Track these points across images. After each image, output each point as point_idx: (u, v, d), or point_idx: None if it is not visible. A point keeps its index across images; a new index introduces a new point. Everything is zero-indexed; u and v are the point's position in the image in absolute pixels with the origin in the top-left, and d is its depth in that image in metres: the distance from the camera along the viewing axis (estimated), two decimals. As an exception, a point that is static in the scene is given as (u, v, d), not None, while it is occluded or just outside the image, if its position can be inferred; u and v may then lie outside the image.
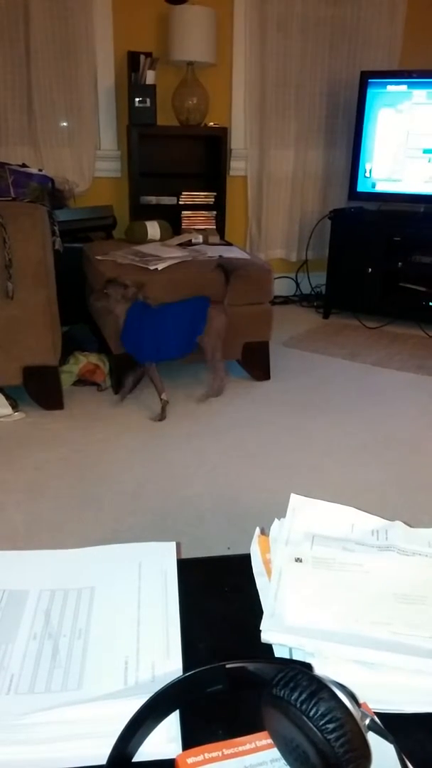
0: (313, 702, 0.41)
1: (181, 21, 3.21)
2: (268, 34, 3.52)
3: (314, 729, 0.40)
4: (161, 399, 2.33)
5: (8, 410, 2.28)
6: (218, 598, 0.67)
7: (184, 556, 0.71)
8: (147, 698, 0.48)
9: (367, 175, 3.58)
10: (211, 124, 3.50)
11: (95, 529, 1.69)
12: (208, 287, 2.46)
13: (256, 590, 0.66)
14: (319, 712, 0.40)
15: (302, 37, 3.57)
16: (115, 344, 2.43)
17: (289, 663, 0.47)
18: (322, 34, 3.60)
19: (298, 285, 4.07)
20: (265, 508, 1.77)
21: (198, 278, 2.48)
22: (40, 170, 2.77)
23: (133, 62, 3.27)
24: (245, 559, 0.71)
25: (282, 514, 0.76)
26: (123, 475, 1.95)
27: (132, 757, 0.46)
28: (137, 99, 3.25)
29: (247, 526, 1.66)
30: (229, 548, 1.56)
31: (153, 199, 3.47)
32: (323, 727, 0.40)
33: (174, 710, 0.49)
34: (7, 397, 2.30)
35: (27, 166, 2.76)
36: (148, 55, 3.25)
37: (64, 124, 3.39)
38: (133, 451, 2.09)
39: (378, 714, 0.48)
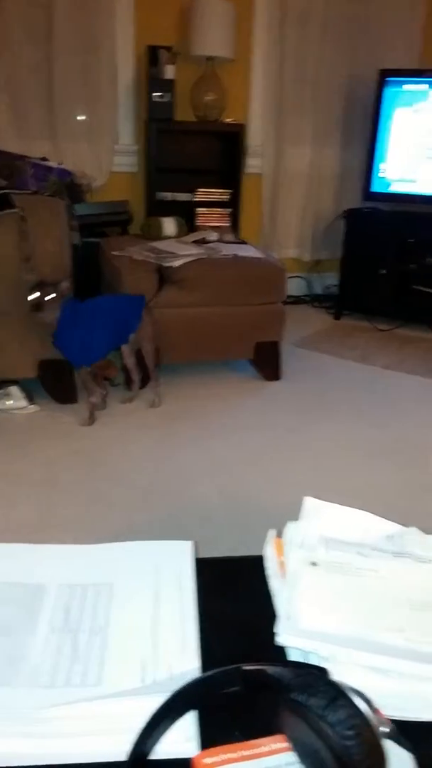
0: (331, 708, 0.42)
1: (201, 15, 3.20)
2: (288, 30, 3.51)
3: (333, 735, 0.41)
4: (90, 401, 2.26)
5: (23, 403, 2.30)
6: (233, 599, 0.67)
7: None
8: (165, 697, 0.49)
9: (382, 175, 3.56)
10: (228, 120, 3.49)
11: (106, 524, 1.70)
12: (224, 286, 2.47)
13: (270, 592, 0.67)
14: (338, 719, 0.41)
15: (322, 34, 3.55)
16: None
17: (307, 667, 0.47)
18: (342, 31, 3.58)
19: (309, 285, 4.06)
20: (274, 509, 1.77)
21: (213, 276, 2.49)
22: (60, 164, 2.78)
23: (152, 57, 3.27)
24: (258, 561, 0.72)
25: (291, 515, 0.76)
26: (134, 471, 1.97)
27: (149, 755, 0.47)
28: (156, 94, 3.25)
29: (256, 527, 1.67)
30: (239, 548, 1.57)
31: (168, 195, 3.47)
32: (342, 734, 0.41)
33: (191, 710, 0.50)
34: (23, 390, 2.32)
35: (47, 160, 2.77)
36: (167, 49, 3.24)
37: (84, 118, 3.39)
38: (144, 448, 2.11)
39: (392, 722, 0.48)
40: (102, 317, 2.16)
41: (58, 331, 2.09)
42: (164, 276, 2.37)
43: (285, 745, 0.47)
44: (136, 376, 2.39)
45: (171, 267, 2.42)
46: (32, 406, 2.32)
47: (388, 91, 3.43)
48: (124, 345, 2.32)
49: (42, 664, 0.55)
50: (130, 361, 2.36)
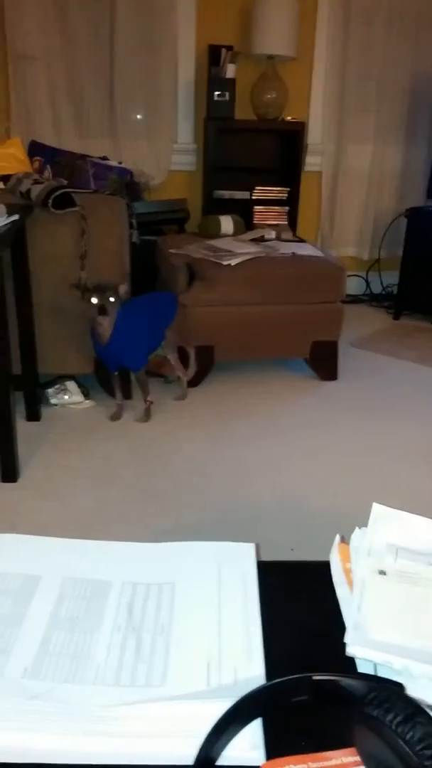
0: (409, 725, 0.40)
1: (263, 14, 3.18)
2: (352, 26, 3.45)
3: (411, 753, 0.39)
4: (147, 401, 2.28)
5: (80, 398, 2.34)
6: (297, 604, 0.66)
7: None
8: (230, 702, 0.48)
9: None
10: (289, 118, 3.46)
11: (160, 520, 1.71)
12: (282, 284, 2.45)
13: (336, 599, 0.65)
14: (416, 737, 0.39)
15: (387, 31, 3.49)
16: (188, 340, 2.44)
17: (382, 681, 0.46)
18: (407, 28, 3.50)
19: (368, 284, 3.99)
20: (330, 511, 1.75)
21: (271, 274, 2.47)
22: (120, 163, 2.81)
23: (213, 56, 3.27)
24: (324, 566, 0.70)
25: (348, 518, 0.74)
26: (188, 468, 1.97)
27: (216, 761, 0.46)
28: (216, 93, 3.26)
29: (312, 529, 1.65)
30: (293, 550, 1.55)
31: (225, 194, 3.47)
32: (420, 753, 0.39)
33: (257, 717, 0.49)
34: (80, 386, 2.36)
35: (107, 159, 2.81)
36: (229, 48, 3.24)
37: (143, 117, 3.43)
38: (198, 446, 2.11)
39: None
40: (145, 317, 2.18)
41: (114, 339, 2.08)
42: (193, 272, 2.36)
43: (356, 759, 0.46)
44: (181, 372, 2.39)
45: (226, 264, 2.42)
46: (88, 401, 2.36)
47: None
48: (165, 342, 2.32)
49: (106, 662, 0.55)
50: (172, 357, 2.36)
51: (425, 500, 1.82)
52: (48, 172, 2.51)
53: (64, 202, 2.07)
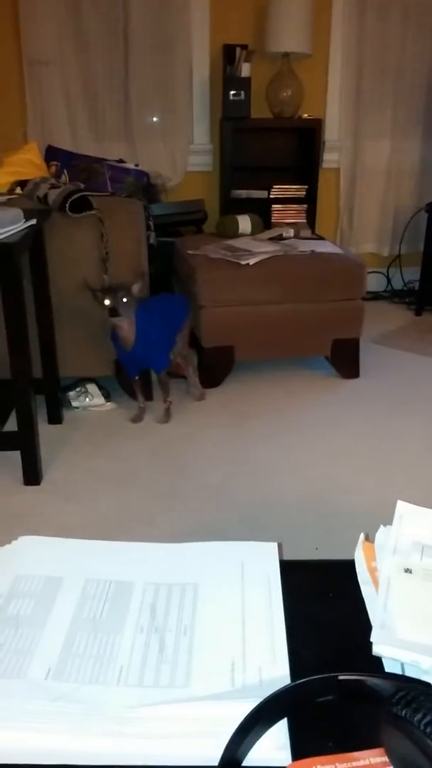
0: (439, 726, 0.39)
1: (277, 11, 3.17)
2: (368, 22, 3.43)
3: (440, 755, 0.38)
4: (167, 401, 2.28)
5: (101, 400, 2.35)
6: (321, 603, 0.65)
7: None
8: (255, 702, 0.48)
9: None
10: (305, 115, 3.44)
11: (181, 521, 1.71)
12: (301, 282, 2.44)
13: (361, 598, 0.64)
14: (446, 738, 0.38)
15: (403, 25, 3.45)
16: (208, 338, 2.44)
17: (410, 681, 0.45)
18: (424, 22, 3.46)
19: (389, 280, 3.95)
20: (354, 510, 1.73)
21: (290, 273, 2.46)
22: (136, 165, 2.82)
23: (228, 55, 3.26)
24: (348, 565, 0.69)
25: (372, 516, 0.73)
26: (208, 468, 1.97)
27: (242, 762, 0.46)
28: (232, 92, 3.25)
29: (335, 527, 1.64)
30: (317, 549, 1.54)
31: (243, 193, 3.46)
32: (450, 754, 0.38)
33: (283, 717, 0.48)
34: (100, 388, 2.37)
35: (124, 162, 2.82)
36: (243, 47, 3.23)
37: (159, 119, 3.44)
38: (218, 445, 2.10)
39: None
40: (162, 317, 2.18)
41: (137, 340, 2.08)
42: None
43: (384, 759, 0.45)
44: (189, 375, 2.39)
45: (244, 263, 2.41)
46: (109, 403, 2.37)
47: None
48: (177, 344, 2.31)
49: (130, 663, 0.54)
50: (182, 361, 2.36)
51: (451, 497, 1.79)
52: (65, 177, 2.52)
53: (82, 205, 2.08)
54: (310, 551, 1.53)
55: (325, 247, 2.69)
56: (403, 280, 3.89)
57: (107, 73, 3.30)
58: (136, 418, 2.26)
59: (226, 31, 3.36)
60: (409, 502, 0.74)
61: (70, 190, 2.10)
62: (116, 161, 2.80)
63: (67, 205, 2.05)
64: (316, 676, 0.48)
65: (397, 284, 3.93)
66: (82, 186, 2.19)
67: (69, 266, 2.14)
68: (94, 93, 3.30)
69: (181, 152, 3.49)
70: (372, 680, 0.46)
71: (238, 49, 3.23)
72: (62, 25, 3.19)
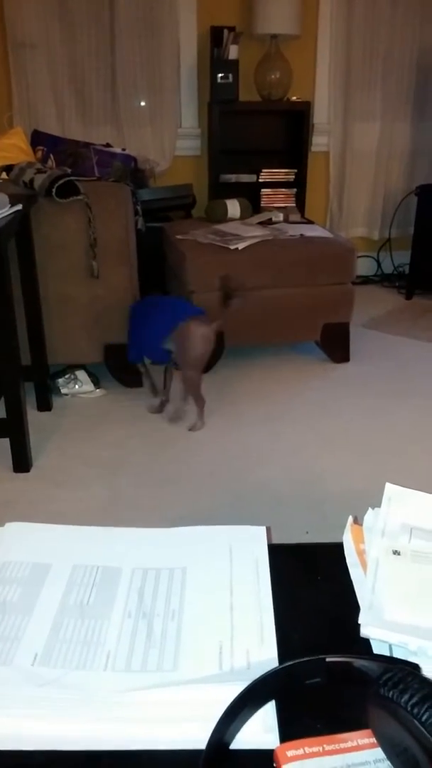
0: (425, 706, 0.39)
1: (265, -8, 3.13)
2: (356, 2, 3.38)
3: (426, 734, 0.38)
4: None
5: (90, 387, 2.34)
6: (310, 586, 0.65)
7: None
8: (243, 685, 0.48)
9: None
10: (294, 98, 3.41)
11: (174, 507, 1.71)
12: (291, 267, 2.42)
13: (350, 581, 0.64)
14: (432, 718, 0.38)
15: (392, 6, 3.41)
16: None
17: (396, 662, 0.45)
18: (413, 2, 3.42)
19: (379, 264, 3.94)
20: (345, 494, 1.73)
21: (279, 257, 2.45)
22: (124, 150, 2.79)
23: (215, 37, 3.22)
24: (337, 548, 0.69)
25: (363, 500, 0.73)
26: (200, 454, 1.96)
27: (229, 745, 0.46)
28: (219, 75, 3.21)
29: (326, 511, 1.64)
30: (307, 533, 1.55)
31: (232, 177, 3.44)
32: (437, 734, 0.38)
33: (270, 700, 0.48)
34: (90, 375, 2.36)
35: (111, 146, 2.78)
36: (231, 29, 3.19)
37: (146, 103, 3.39)
38: (210, 432, 2.10)
39: None
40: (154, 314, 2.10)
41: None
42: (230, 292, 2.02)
43: (372, 740, 0.45)
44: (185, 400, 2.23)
45: (233, 248, 2.40)
46: (99, 390, 2.35)
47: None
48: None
49: (117, 648, 0.54)
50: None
51: (441, 480, 1.80)
52: (51, 161, 2.49)
53: (68, 190, 2.05)
54: (301, 536, 1.53)
55: (314, 231, 2.68)
56: (393, 263, 3.89)
57: (93, 57, 3.24)
58: (158, 410, 2.23)
59: (213, 12, 3.31)
60: (400, 485, 0.74)
61: (57, 174, 2.07)
62: (103, 146, 2.76)
63: (54, 190, 2.02)
64: (303, 659, 0.48)
65: (387, 268, 3.92)
66: (68, 171, 2.16)
67: (56, 252, 2.12)
68: (80, 76, 3.25)
69: (169, 136, 3.45)
70: (359, 662, 0.46)
71: (225, 31, 3.18)
72: (47, 8, 3.13)
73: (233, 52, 3.21)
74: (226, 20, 3.26)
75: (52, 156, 2.52)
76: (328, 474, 1.85)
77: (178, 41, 3.34)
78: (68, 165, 2.43)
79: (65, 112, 3.27)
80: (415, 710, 0.39)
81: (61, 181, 2.03)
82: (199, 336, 1.94)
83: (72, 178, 2.07)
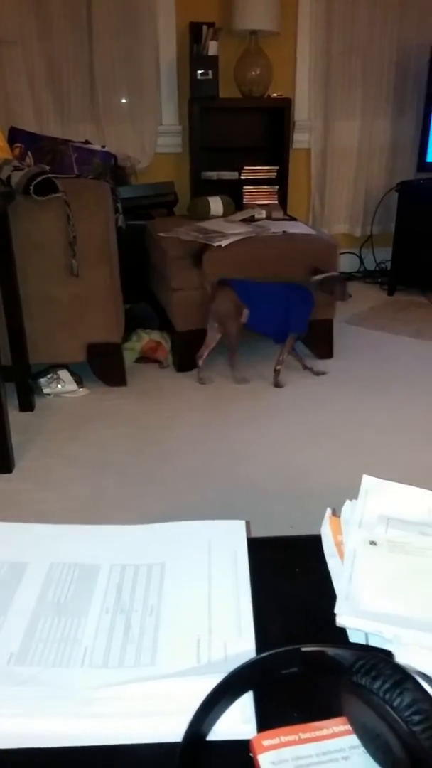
0: (397, 692, 0.39)
1: (244, -12, 3.12)
2: (336, 0, 3.39)
3: (399, 720, 0.38)
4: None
5: (73, 386, 2.32)
6: (288, 578, 0.65)
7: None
8: (220, 677, 0.48)
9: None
10: (275, 95, 3.41)
11: (158, 505, 1.71)
12: (274, 264, 2.43)
13: (328, 572, 0.64)
14: (404, 703, 0.39)
15: (371, 4, 3.42)
16: (181, 321, 2.42)
17: (370, 649, 0.45)
18: (392, 1, 3.44)
19: (362, 261, 3.96)
20: (329, 488, 1.74)
21: (262, 254, 2.45)
22: (103, 147, 2.77)
23: (195, 33, 3.21)
24: (315, 540, 0.69)
25: (347, 495, 0.73)
26: (185, 452, 1.96)
27: (206, 736, 0.46)
28: (199, 71, 3.21)
29: (311, 506, 1.64)
30: (292, 527, 1.55)
31: (214, 175, 3.43)
32: (408, 719, 0.38)
33: (248, 691, 0.49)
34: (72, 374, 2.35)
35: (90, 143, 2.77)
36: (210, 25, 3.18)
37: (126, 100, 3.38)
38: (195, 429, 2.10)
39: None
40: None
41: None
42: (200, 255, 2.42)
43: (347, 728, 0.45)
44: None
45: (216, 245, 2.39)
46: (82, 389, 2.34)
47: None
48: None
49: (95, 645, 0.54)
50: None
51: (423, 473, 1.82)
52: (29, 159, 2.47)
53: (47, 188, 2.04)
54: (287, 530, 1.53)
55: (297, 228, 2.68)
56: (375, 260, 3.91)
57: (72, 53, 3.22)
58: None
59: (192, 8, 3.30)
60: (383, 477, 0.74)
61: (35, 172, 2.05)
62: (82, 143, 2.74)
63: (32, 188, 2.01)
64: (279, 649, 0.48)
65: (370, 264, 3.94)
66: (47, 168, 2.14)
67: (35, 250, 2.11)
68: (58, 73, 3.23)
69: (150, 133, 3.44)
70: (334, 651, 0.46)
71: (204, 27, 3.18)
72: (24, 4, 3.10)
73: (213, 48, 3.20)
74: (204, 16, 3.26)
75: (30, 153, 2.50)
76: (313, 469, 1.86)
77: (156, 37, 3.32)
78: (47, 162, 2.41)
79: (43, 109, 3.25)
80: (387, 696, 0.39)
81: (39, 179, 2.02)
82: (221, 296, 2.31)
83: (50, 175, 2.06)
